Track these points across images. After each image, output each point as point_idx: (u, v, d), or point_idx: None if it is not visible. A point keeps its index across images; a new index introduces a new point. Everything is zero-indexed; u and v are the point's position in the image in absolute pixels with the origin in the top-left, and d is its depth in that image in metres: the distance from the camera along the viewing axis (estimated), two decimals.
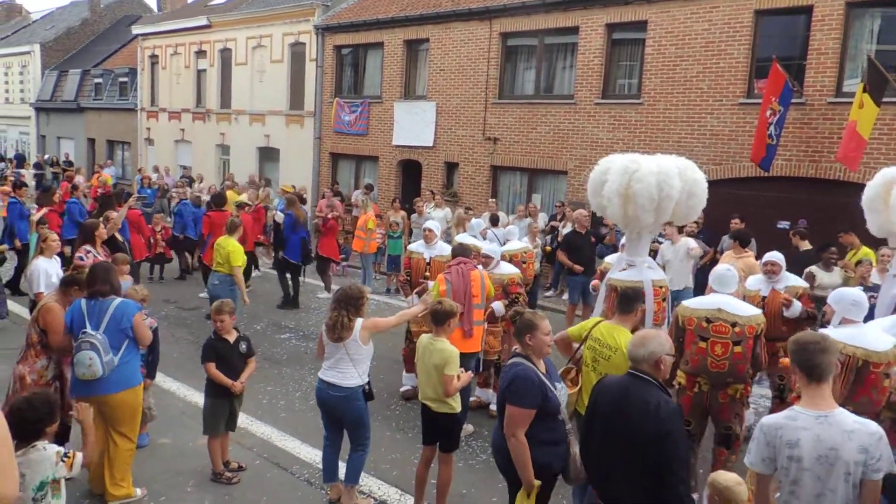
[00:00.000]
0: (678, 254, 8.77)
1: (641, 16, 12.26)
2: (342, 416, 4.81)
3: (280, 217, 11.83)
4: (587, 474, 3.63)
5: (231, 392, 5.14)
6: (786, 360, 5.19)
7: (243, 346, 5.26)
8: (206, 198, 13.02)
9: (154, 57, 25.26)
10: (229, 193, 12.52)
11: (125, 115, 27.12)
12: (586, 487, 4.35)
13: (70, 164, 26.65)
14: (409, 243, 10.27)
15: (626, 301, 4.51)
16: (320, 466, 5.22)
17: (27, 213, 10.69)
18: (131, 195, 11.17)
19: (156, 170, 21.80)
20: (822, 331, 4.34)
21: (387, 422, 6.54)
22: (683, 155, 6.10)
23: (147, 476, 5.18)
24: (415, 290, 7.31)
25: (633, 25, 12.55)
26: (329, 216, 12.32)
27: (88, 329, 4.58)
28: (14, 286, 10.53)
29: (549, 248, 11.78)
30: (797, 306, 6.08)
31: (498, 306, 6.63)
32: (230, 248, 8.46)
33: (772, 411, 5.99)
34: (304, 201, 12.99)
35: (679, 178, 5.49)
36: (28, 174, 24.14)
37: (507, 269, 6.95)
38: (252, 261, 11.75)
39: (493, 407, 6.41)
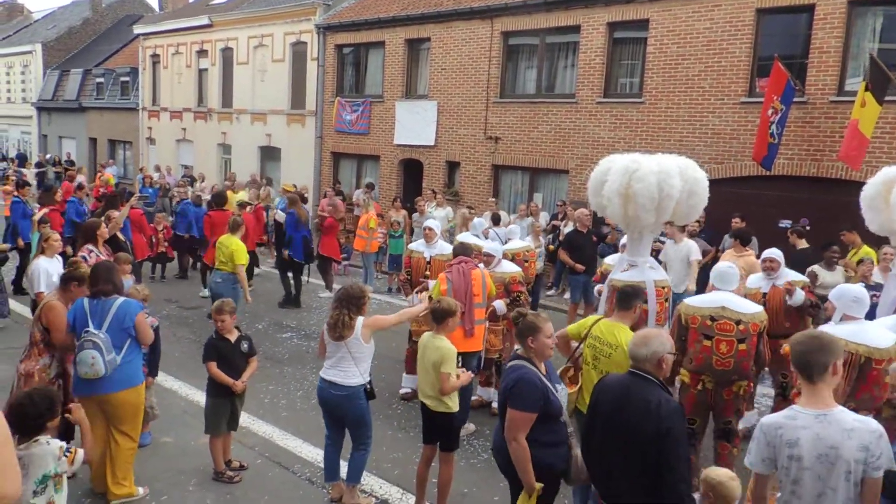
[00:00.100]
0: (679, 254, 8.76)
1: (643, 14, 12.25)
2: (344, 415, 4.81)
3: (281, 216, 11.84)
4: (588, 473, 3.63)
5: (232, 391, 5.15)
6: (788, 349, 5.22)
7: (245, 346, 5.27)
8: (206, 197, 13.03)
9: (155, 56, 25.28)
10: (230, 193, 12.53)
11: (127, 115, 27.15)
12: (588, 488, 4.36)
13: (72, 163, 26.69)
14: (411, 242, 10.27)
15: (625, 298, 4.51)
16: (322, 465, 5.23)
17: (30, 212, 10.71)
18: (133, 194, 11.19)
19: (157, 169, 21.81)
20: (823, 327, 4.35)
21: (388, 421, 6.55)
22: (685, 154, 6.09)
23: (149, 475, 5.19)
24: (415, 290, 7.32)
25: (634, 24, 12.54)
26: (325, 214, 12.33)
27: (91, 328, 4.60)
28: (17, 285, 10.56)
29: (552, 246, 11.78)
30: (800, 294, 6.07)
31: (499, 305, 6.63)
32: (234, 247, 8.47)
33: (774, 409, 5.99)
34: (305, 200, 13.00)
35: (680, 177, 5.48)
36: (30, 173, 24.16)
37: (509, 268, 6.95)
38: (254, 260, 11.76)
39: (496, 405, 6.41)
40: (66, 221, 10.73)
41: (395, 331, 7.55)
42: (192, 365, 7.31)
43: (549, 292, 12.35)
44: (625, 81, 13.01)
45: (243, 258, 8.55)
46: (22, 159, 29.03)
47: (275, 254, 12.85)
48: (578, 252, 9.75)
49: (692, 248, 8.77)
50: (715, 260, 9.11)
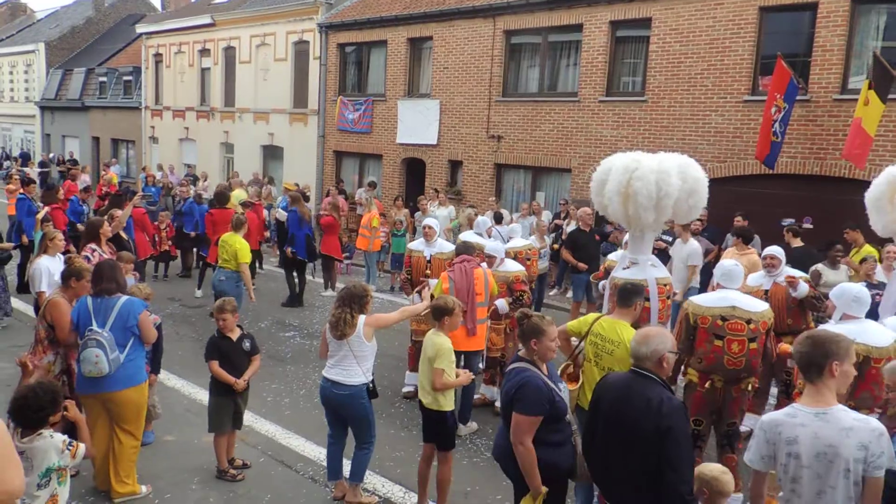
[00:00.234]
0: (680, 254, 8.75)
1: (645, 13, 12.23)
2: (346, 414, 4.82)
3: (283, 215, 11.85)
4: (589, 470, 3.63)
5: (235, 390, 5.16)
6: (785, 347, 5.23)
7: (247, 344, 5.28)
8: (207, 196, 13.05)
9: (158, 55, 25.31)
10: (236, 189, 12.55)
11: (129, 114, 27.19)
12: (591, 487, 4.36)
13: (75, 162, 26.72)
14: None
15: (625, 295, 4.51)
16: (325, 464, 5.23)
17: (35, 209, 10.73)
18: (136, 193, 11.21)
19: (160, 168, 21.85)
20: (823, 326, 4.37)
21: (391, 419, 6.56)
22: (688, 152, 6.08)
23: (152, 473, 5.21)
24: (416, 289, 7.33)
25: (637, 23, 12.52)
26: (323, 212, 12.33)
27: (95, 326, 4.62)
28: (20, 283, 10.58)
29: (556, 245, 11.77)
30: (803, 286, 6.03)
31: (502, 304, 6.63)
32: (237, 245, 8.48)
33: (777, 407, 5.99)
34: (307, 199, 13.01)
35: (678, 176, 5.48)
36: (33, 172, 24.21)
37: (512, 267, 6.95)
38: (257, 258, 11.78)
39: (499, 404, 6.42)
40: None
41: (398, 329, 7.57)
42: (194, 363, 7.31)
43: (552, 291, 12.36)
44: (627, 80, 13.00)
45: (247, 256, 8.57)
46: (25, 158, 29.09)
47: (277, 252, 12.86)
48: (581, 251, 9.76)
49: (692, 253, 8.73)
50: (717, 258, 9.11)
